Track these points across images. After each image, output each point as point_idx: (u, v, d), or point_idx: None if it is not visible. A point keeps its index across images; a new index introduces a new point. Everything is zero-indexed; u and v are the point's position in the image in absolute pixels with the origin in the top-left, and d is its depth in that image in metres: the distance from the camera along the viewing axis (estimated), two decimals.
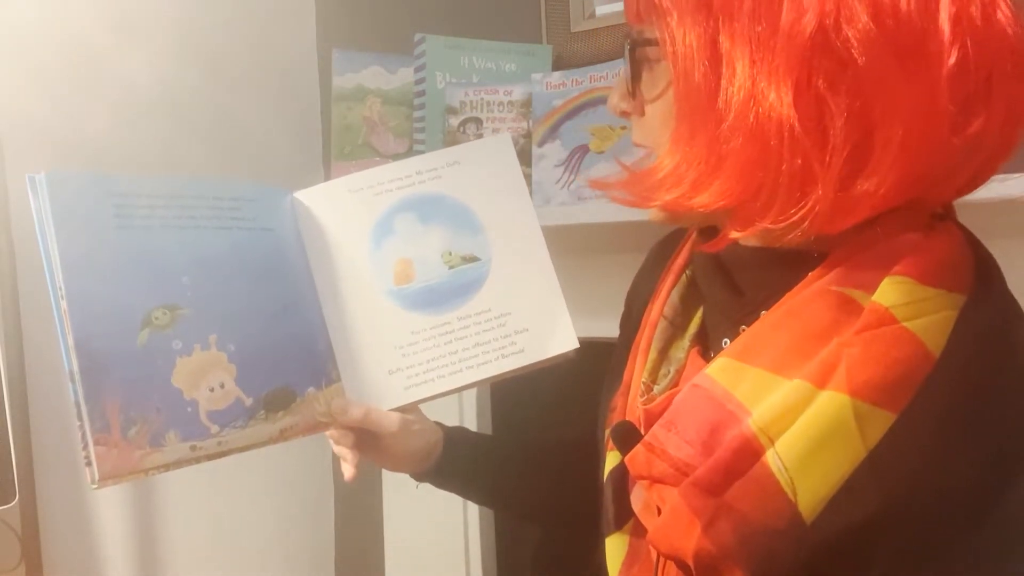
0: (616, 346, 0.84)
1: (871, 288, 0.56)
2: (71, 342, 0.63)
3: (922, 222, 0.60)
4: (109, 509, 1.45)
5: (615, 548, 0.70)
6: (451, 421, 0.89)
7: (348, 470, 0.80)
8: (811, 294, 0.59)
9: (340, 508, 1.83)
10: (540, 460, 0.92)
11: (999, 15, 0.53)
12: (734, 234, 0.58)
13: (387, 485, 1.68)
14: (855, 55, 0.51)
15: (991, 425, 0.54)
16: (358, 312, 0.76)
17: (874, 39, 0.51)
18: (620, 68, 0.69)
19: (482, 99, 1.44)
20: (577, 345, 0.77)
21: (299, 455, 1.70)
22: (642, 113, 0.65)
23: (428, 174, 0.79)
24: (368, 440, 0.78)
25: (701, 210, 0.57)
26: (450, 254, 0.78)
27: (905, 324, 0.54)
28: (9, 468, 1.28)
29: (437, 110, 1.48)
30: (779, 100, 0.52)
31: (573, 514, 0.90)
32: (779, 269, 0.62)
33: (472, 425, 1.58)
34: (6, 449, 1.28)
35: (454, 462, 0.85)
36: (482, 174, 0.79)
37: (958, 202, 0.63)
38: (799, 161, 0.53)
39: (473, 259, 0.78)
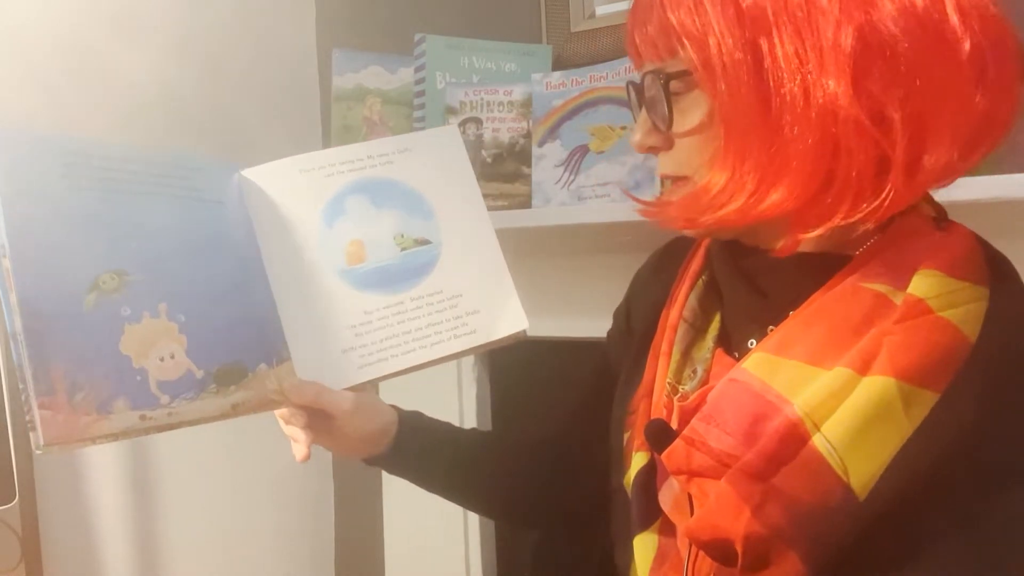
0: (621, 353, 0.83)
1: (900, 283, 0.60)
2: (14, 301, 0.62)
3: (930, 223, 0.63)
4: (109, 509, 1.45)
5: (644, 548, 0.71)
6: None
7: (300, 450, 0.77)
8: (841, 291, 0.62)
9: (340, 508, 1.83)
10: (503, 453, 0.90)
11: (990, 6, 0.58)
12: (802, 235, 0.61)
13: (387, 485, 1.67)
14: (898, 46, 0.56)
15: (1022, 403, 0.59)
16: (310, 291, 0.76)
17: (911, 30, 0.56)
18: (626, 87, 0.70)
19: (482, 99, 1.44)
20: (527, 325, 0.78)
21: None
22: (671, 146, 0.66)
23: (379, 159, 0.80)
24: (320, 421, 0.76)
25: (768, 214, 0.60)
26: (402, 236, 0.79)
27: (941, 314, 0.58)
28: (9, 468, 1.28)
29: (437, 110, 1.47)
30: (840, 99, 0.56)
31: (531, 511, 0.90)
32: (802, 272, 0.65)
33: (471, 421, 1.58)
34: (6, 449, 1.28)
35: (407, 447, 0.83)
36: (432, 162, 0.81)
37: (958, 203, 0.64)
38: (871, 151, 0.57)
39: (425, 242, 0.79)
